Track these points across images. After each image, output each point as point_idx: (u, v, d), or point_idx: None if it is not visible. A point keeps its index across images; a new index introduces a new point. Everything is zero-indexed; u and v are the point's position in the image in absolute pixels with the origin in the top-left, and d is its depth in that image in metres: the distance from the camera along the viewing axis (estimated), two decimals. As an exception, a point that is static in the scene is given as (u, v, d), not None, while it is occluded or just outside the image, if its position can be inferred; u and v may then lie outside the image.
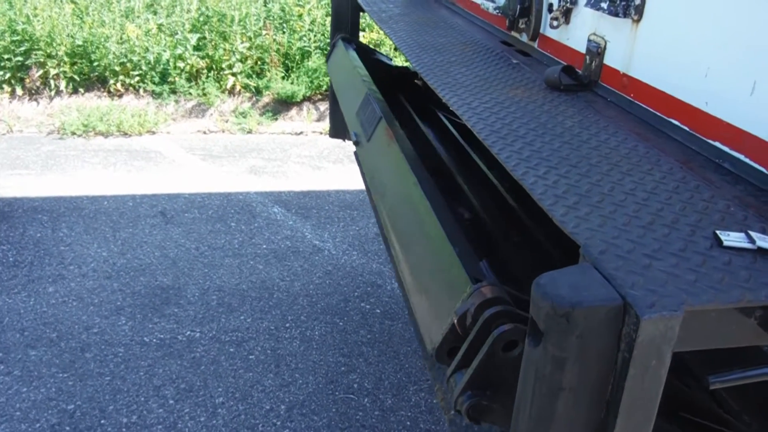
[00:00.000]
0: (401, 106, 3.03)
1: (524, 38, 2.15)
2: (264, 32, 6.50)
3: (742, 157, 1.20)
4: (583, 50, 1.74)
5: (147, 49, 6.18)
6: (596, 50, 1.67)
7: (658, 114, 1.45)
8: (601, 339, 0.78)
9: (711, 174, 1.19)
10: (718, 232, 0.95)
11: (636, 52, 1.54)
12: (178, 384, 2.94)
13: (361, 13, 3.27)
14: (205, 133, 6.04)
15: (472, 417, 1.12)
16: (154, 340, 3.23)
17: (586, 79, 1.72)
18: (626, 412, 0.80)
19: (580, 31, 1.79)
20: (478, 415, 1.12)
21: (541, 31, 2.03)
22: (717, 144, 1.27)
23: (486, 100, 1.55)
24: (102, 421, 2.72)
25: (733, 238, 0.94)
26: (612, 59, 1.64)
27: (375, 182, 1.99)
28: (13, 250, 3.97)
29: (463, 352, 1.13)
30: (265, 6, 6.84)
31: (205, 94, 6.21)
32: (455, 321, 1.16)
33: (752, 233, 0.95)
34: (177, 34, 6.36)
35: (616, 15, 1.56)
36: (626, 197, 1.05)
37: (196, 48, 6.34)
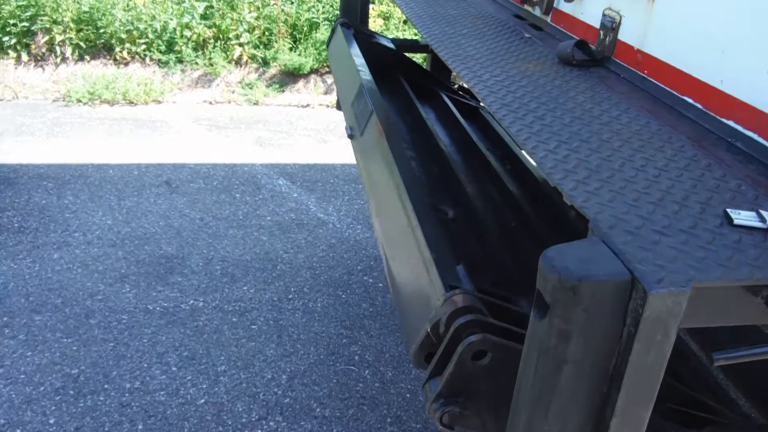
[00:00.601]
0: (402, 90, 3.02)
1: (537, 12, 2.12)
2: (272, 2, 6.43)
3: (755, 136, 1.19)
4: (597, 25, 1.72)
5: (153, 17, 6.12)
6: (610, 25, 1.64)
7: (672, 91, 1.43)
8: (607, 313, 0.77)
9: (723, 153, 1.18)
10: (728, 210, 0.94)
11: (651, 28, 1.52)
12: (181, 351, 2.96)
13: None
14: (211, 103, 6.01)
15: (446, 424, 1.14)
16: (158, 308, 3.25)
17: (599, 55, 1.69)
18: (629, 386, 0.80)
19: (594, 5, 1.76)
20: (451, 422, 1.15)
21: (554, 5, 2.00)
22: (730, 123, 1.25)
23: (497, 74, 1.53)
24: (106, 386, 2.75)
25: (743, 217, 0.93)
26: (626, 35, 1.62)
27: (366, 178, 1.97)
28: (18, 216, 3.98)
29: (436, 360, 1.14)
30: (273, -24, 6.75)
31: (211, 64, 6.17)
32: (429, 329, 1.17)
33: (763, 212, 0.94)
34: (184, 2, 6.30)
35: (632, -11, 1.53)
36: (637, 173, 1.04)
37: (203, 17, 6.28)
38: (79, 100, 5.73)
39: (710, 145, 1.21)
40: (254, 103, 6.03)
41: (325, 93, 6.26)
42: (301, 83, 6.33)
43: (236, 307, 3.28)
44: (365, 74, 2.44)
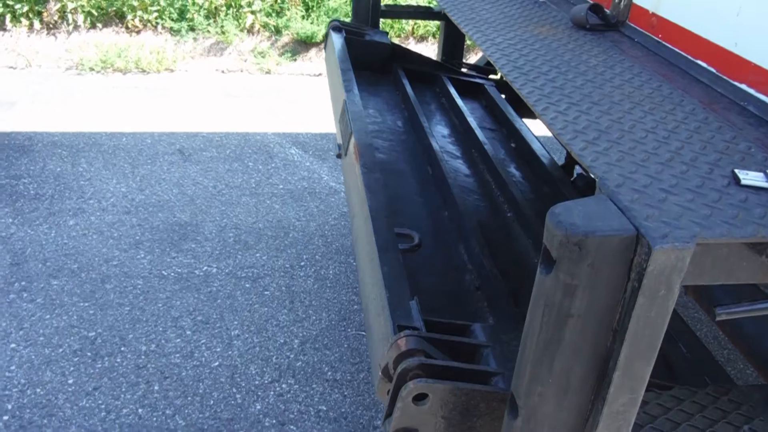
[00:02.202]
0: (399, 83, 3.02)
1: (551, -23, 2.09)
2: (284, -30, 6.37)
3: (767, 99, 1.18)
4: (611, -11, 1.70)
5: (166, -15, 6.09)
6: (625, -11, 1.63)
7: (686, 55, 1.42)
8: (612, 268, 0.79)
9: (734, 116, 1.18)
10: (736, 170, 0.94)
11: (666, -10, 1.50)
12: (195, 316, 3.02)
13: None
14: (223, 72, 6.00)
15: None
16: (172, 274, 3.30)
17: (613, 19, 1.68)
18: (632, 339, 0.81)
19: (609, -32, 1.74)
20: None
21: (568, -31, 1.98)
22: (743, 86, 1.25)
23: (510, 37, 1.52)
24: (122, 348, 2.81)
25: (751, 177, 0.93)
26: (641, -2, 1.60)
27: (348, 201, 1.97)
28: (33, 184, 4.03)
29: (388, 401, 1.19)
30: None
31: (223, 33, 6.14)
32: (380, 371, 1.24)
33: (771, 173, 0.95)
34: (196, -31, 6.25)
35: (648, -49, 1.51)
36: (647, 135, 1.05)
37: (216, -16, 6.24)
38: (91, 69, 5.75)
39: (722, 108, 1.21)
40: (266, 72, 6.02)
41: (338, 62, 6.23)
42: (313, 52, 6.30)
43: (249, 273, 3.33)
44: (350, 87, 2.41)
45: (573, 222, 0.78)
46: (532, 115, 3.42)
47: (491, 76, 3.42)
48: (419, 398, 1.16)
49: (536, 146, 2.67)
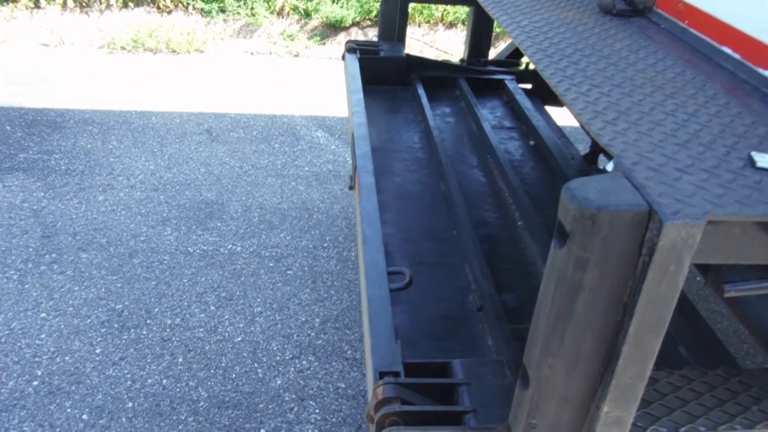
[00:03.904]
0: (415, 96, 3.09)
1: (580, -38, 2.09)
2: (314, -47, 6.39)
3: (791, 85, 1.19)
4: (639, -26, 1.70)
5: (197, -33, 6.15)
6: (653, -26, 1.62)
7: (711, 42, 1.42)
8: (624, 243, 0.81)
9: (756, 102, 1.18)
10: (753, 153, 0.95)
11: (694, -24, 1.50)
12: (219, 292, 3.09)
13: None
14: (252, 54, 6.05)
15: None
16: (198, 251, 3.37)
17: (640, 5, 1.68)
18: (642, 313, 0.83)
19: (638, -46, 1.73)
20: None
21: (597, -46, 1.97)
22: (767, 73, 1.25)
23: (536, 20, 1.54)
24: (148, 321, 2.89)
25: (767, 160, 0.94)
26: (668, -16, 1.60)
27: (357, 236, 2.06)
28: (65, 159, 4.13)
29: None
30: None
31: (253, 14, 6.19)
32: (366, 416, 1.34)
33: (789, 157, 0.95)
34: (227, -48, 6.30)
35: (677, -64, 1.51)
36: (666, 117, 1.06)
37: (246, -33, 6.29)
38: (122, 48, 5.84)
39: (744, 94, 1.21)
40: (295, 55, 6.06)
41: (365, 47, 6.24)
42: (342, 36, 6.32)
43: (273, 252, 3.38)
44: (359, 117, 2.50)
45: (587, 196, 0.80)
46: (558, 102, 3.42)
47: (514, 68, 3.42)
48: None
49: (556, 142, 2.68)
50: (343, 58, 3.15)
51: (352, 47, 3.14)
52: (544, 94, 3.43)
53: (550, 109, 3.27)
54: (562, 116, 3.42)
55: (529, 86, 3.47)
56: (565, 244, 0.83)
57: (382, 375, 1.38)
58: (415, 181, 2.43)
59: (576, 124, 3.43)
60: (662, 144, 0.96)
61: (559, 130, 2.99)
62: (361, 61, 3.06)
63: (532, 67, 3.45)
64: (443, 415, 1.33)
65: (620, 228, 0.80)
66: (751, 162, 0.93)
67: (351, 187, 2.53)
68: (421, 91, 3.04)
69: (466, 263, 1.97)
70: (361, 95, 2.69)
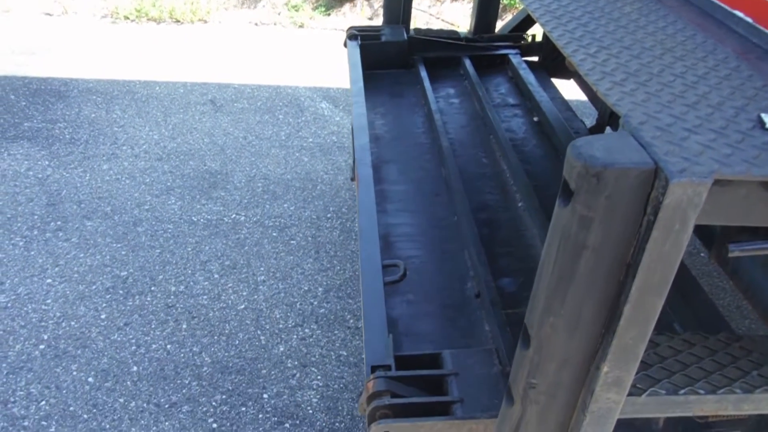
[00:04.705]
0: (417, 79, 3.08)
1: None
2: None
3: (803, 50, 1.17)
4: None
5: (201, -65, 6.07)
6: (665, -63, 1.59)
7: (723, 6, 1.40)
8: (629, 201, 0.80)
9: (767, 66, 1.16)
10: (762, 114, 0.94)
11: (707, -61, 1.47)
12: (223, 261, 3.10)
13: None
14: (256, 24, 6.00)
15: None
16: (202, 220, 3.37)
17: (650, -30, 1.65)
18: (645, 273, 0.83)
19: None
20: None
21: None
22: (779, 37, 1.23)
23: (543, -16, 1.51)
24: (152, 288, 2.91)
25: (777, 122, 0.93)
26: (680, -53, 1.57)
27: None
28: (69, 128, 4.12)
29: None
30: None
31: (258, -15, 6.12)
32: (359, 409, 1.40)
33: (799, 119, 0.94)
34: None
35: None
36: (675, 79, 1.04)
37: (251, -65, 6.20)
38: (126, 17, 5.80)
39: (755, 58, 1.19)
40: (299, 26, 6.00)
41: (371, 18, 6.18)
42: (347, 7, 6.25)
43: (276, 222, 3.39)
44: (359, 107, 2.52)
45: (593, 154, 0.79)
46: (566, 75, 3.38)
47: (519, 42, 3.38)
48: None
49: (560, 117, 2.66)
50: (345, 45, 3.14)
51: (353, 33, 3.12)
52: (551, 67, 3.39)
53: (559, 83, 3.24)
54: (569, 90, 3.38)
55: (535, 59, 3.43)
56: (569, 203, 0.82)
57: (374, 369, 1.44)
58: (417, 167, 2.44)
59: (583, 97, 3.39)
60: (670, 105, 0.95)
61: (564, 104, 2.96)
62: (362, 47, 3.05)
63: (538, 39, 3.41)
64: (431, 406, 1.39)
65: (625, 186, 0.79)
66: (761, 123, 0.92)
67: (352, 179, 2.56)
68: (423, 74, 3.03)
69: (465, 249, 2.00)
70: (361, 84, 2.70)
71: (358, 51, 3.00)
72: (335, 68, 5.21)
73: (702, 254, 3.41)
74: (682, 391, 1.01)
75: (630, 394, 0.99)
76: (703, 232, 2.10)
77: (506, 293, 1.87)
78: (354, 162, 2.33)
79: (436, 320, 1.77)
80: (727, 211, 0.84)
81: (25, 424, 2.30)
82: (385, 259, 1.91)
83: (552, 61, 3.38)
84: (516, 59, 3.23)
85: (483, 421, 1.37)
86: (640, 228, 0.83)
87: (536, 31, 3.45)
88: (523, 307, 1.80)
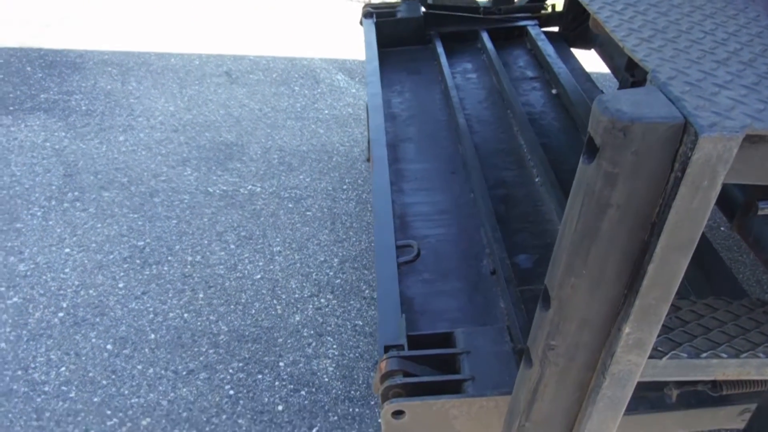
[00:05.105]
0: (434, 54, 3.04)
1: None
2: None
3: (837, 8, 1.13)
4: None
5: None
6: None
7: (752, -35, 1.35)
8: (656, 157, 0.78)
9: (800, 25, 1.12)
10: (796, 71, 0.91)
11: None
12: (239, 232, 3.11)
13: None
14: (271, -4, 5.94)
15: None
16: (218, 191, 3.38)
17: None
18: (670, 231, 0.81)
19: None
20: None
21: None
22: (812, -4, 1.18)
23: (566, -56, 1.47)
24: (169, 258, 2.93)
25: (811, 79, 0.90)
26: None
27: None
28: (85, 100, 4.13)
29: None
30: None
31: (273, -44, 6.05)
32: (373, 389, 1.44)
33: (833, 76, 0.91)
34: None
35: None
36: (705, 36, 1.01)
37: None
38: (142, -11, 5.76)
39: (787, 17, 1.15)
40: (314, -2, 5.94)
41: (387, -11, 6.10)
42: (362, -22, 6.17)
43: (292, 194, 3.38)
44: (373, 87, 2.51)
45: (620, 108, 0.77)
46: (587, 44, 3.32)
47: (538, 13, 3.32)
48: (398, 413, 1.37)
49: (579, 89, 2.62)
50: (361, 23, 3.11)
51: (369, 11, 3.09)
52: (571, 37, 3.33)
53: (579, 55, 3.19)
54: (590, 62, 3.33)
55: (555, 29, 3.37)
56: (594, 159, 0.80)
57: (387, 349, 1.47)
58: (434, 145, 2.43)
59: (604, 69, 3.33)
60: (700, 61, 0.92)
61: (584, 75, 2.91)
62: (377, 25, 3.02)
63: (558, 8, 3.35)
64: (443, 384, 1.42)
65: (653, 141, 0.77)
66: (793, 80, 0.89)
67: (368, 159, 2.56)
68: (440, 50, 2.99)
69: (481, 227, 1.99)
70: (376, 64, 2.67)
71: (373, 29, 2.97)
72: (351, 40, 5.16)
73: (722, 228, 3.37)
74: (704, 355, 1.00)
75: (651, 357, 0.98)
76: (724, 203, 2.07)
77: (522, 269, 1.88)
78: (369, 142, 2.33)
79: (452, 298, 1.78)
80: (758, 168, 0.82)
81: (46, 389, 2.34)
82: (401, 239, 1.94)
83: (572, 31, 3.32)
84: (534, 30, 3.17)
85: (493, 399, 1.39)
86: (666, 185, 0.81)
87: (556, 1, 3.39)
88: (538, 284, 1.81)
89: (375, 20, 3.06)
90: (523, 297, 1.73)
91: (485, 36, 3.11)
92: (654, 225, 0.84)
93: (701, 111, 0.78)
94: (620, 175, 0.80)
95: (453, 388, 1.42)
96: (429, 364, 1.47)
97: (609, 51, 3.06)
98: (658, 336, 0.96)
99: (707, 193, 0.79)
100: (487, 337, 1.54)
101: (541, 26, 3.25)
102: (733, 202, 2.03)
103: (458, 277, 1.85)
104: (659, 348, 1.00)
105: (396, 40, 3.12)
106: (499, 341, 1.53)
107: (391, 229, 1.87)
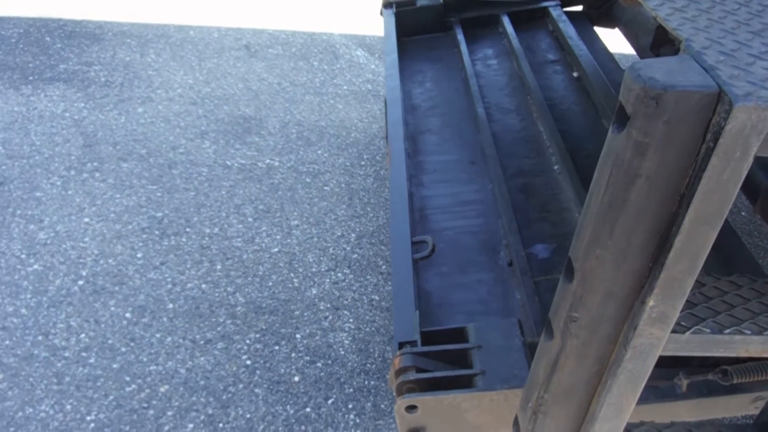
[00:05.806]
0: (455, 42, 3.01)
1: None
2: None
3: None
4: None
5: None
6: None
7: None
8: (688, 127, 0.77)
9: (838, -2, 1.10)
10: (834, 43, 0.89)
11: None
12: (257, 205, 3.12)
13: None
14: (291, -30, 5.90)
15: None
16: (236, 165, 3.39)
17: None
18: (700, 203, 0.80)
19: None
20: None
21: None
22: None
23: None
24: (187, 229, 2.95)
25: None
26: None
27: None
28: (104, 71, 4.14)
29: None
30: None
31: (293, -71, 5.99)
32: (389, 384, 1.49)
33: None
34: None
35: None
36: (739, 7, 0.99)
37: None
38: (162, -39, 5.74)
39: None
40: (334, -28, 5.89)
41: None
42: (382, -47, 6.10)
43: (310, 168, 3.39)
44: (392, 80, 2.50)
45: (653, 76, 0.76)
46: (611, 23, 3.27)
47: None
48: (411, 408, 1.41)
49: (600, 71, 2.59)
50: (381, 14, 3.09)
51: (389, 2, 3.07)
52: (595, 15, 3.28)
53: (604, 35, 3.14)
54: (613, 41, 3.28)
55: (579, 8, 3.32)
56: (624, 128, 0.79)
57: (401, 345, 1.51)
58: (454, 135, 2.42)
59: (628, 49, 3.28)
60: (735, 31, 0.90)
61: (607, 55, 2.87)
62: (397, 15, 2.99)
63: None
64: (455, 379, 1.45)
65: (686, 110, 0.76)
66: (831, 52, 0.87)
67: (386, 137, 2.57)
68: (460, 37, 2.96)
69: (499, 218, 1.99)
70: (395, 56, 2.66)
71: (393, 20, 2.95)
72: (371, 16, 5.11)
73: (743, 213, 3.33)
74: (728, 331, 0.99)
75: (673, 331, 0.97)
76: (747, 186, 2.05)
77: (540, 260, 1.88)
78: (386, 134, 2.33)
79: (470, 291, 1.80)
80: (792, 142, 0.80)
81: (66, 354, 2.38)
82: (419, 231, 1.96)
83: (596, 9, 3.27)
84: (556, 11, 3.12)
85: (503, 392, 1.42)
86: (697, 156, 0.79)
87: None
88: (556, 273, 1.81)
89: (395, 10, 3.04)
90: (540, 288, 1.74)
91: (506, 20, 3.07)
92: (683, 196, 0.83)
93: (736, 80, 0.77)
94: (651, 144, 0.79)
95: (465, 383, 1.45)
96: (442, 359, 1.50)
97: (634, 30, 3.01)
98: (682, 311, 0.95)
99: (739, 165, 0.78)
100: (498, 332, 1.56)
101: (564, 6, 3.20)
102: (757, 186, 2.00)
103: (476, 270, 1.86)
104: (682, 323, 0.99)
105: (417, 28, 3.10)
106: (510, 335, 1.56)
107: (407, 225, 1.88)
